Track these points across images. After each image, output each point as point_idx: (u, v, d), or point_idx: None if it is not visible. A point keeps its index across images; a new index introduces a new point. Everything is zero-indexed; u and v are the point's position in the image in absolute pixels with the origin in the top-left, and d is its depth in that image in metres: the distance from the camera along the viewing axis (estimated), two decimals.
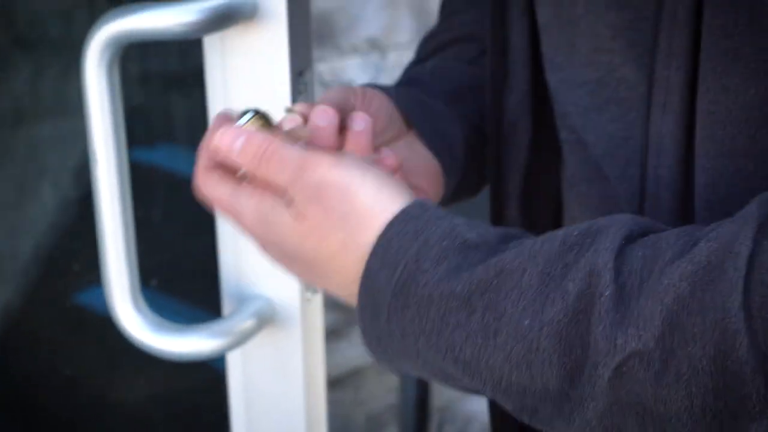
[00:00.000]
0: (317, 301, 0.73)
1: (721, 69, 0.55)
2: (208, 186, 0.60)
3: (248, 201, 0.58)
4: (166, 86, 1.55)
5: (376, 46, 2.26)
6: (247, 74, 0.69)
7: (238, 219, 0.60)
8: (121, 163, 0.66)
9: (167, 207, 1.39)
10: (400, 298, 0.52)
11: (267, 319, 0.71)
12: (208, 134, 0.62)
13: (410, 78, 0.84)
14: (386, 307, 0.53)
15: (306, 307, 0.72)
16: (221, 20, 0.64)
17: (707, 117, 0.57)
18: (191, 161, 0.63)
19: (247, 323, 0.70)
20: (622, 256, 0.48)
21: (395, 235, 0.53)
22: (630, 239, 0.50)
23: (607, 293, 0.47)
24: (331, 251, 0.56)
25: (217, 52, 0.70)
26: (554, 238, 0.51)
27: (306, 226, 0.56)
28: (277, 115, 0.63)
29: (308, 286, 0.71)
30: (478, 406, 2.72)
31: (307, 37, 0.69)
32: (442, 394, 2.37)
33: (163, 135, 1.52)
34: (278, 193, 0.57)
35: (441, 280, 0.51)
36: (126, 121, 0.70)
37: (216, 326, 0.69)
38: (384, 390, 2.38)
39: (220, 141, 0.58)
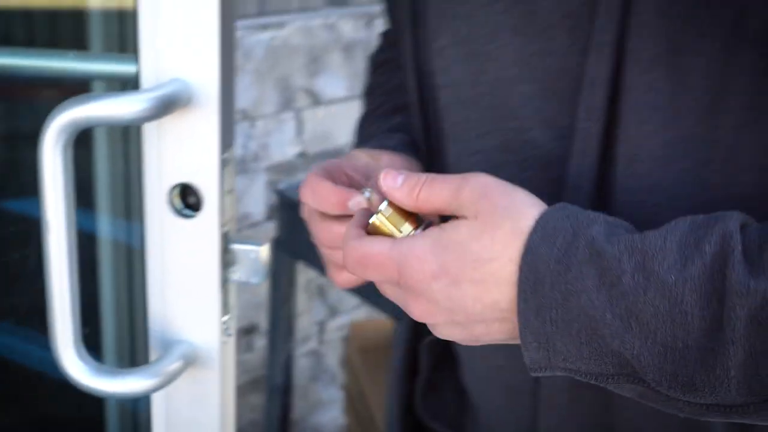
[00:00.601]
0: (231, 343, 0.79)
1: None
2: (360, 246, 0.61)
3: (420, 240, 0.59)
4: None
5: (246, 116, 2.34)
6: (182, 153, 0.73)
7: (406, 265, 0.58)
8: (70, 233, 0.70)
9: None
10: (562, 262, 0.54)
11: (190, 360, 0.76)
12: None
13: (397, 127, 0.87)
14: (549, 274, 0.54)
15: (223, 349, 0.77)
16: (164, 108, 0.68)
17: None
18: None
19: (174, 365, 0.74)
20: (745, 228, 0.53)
21: (551, 218, 0.56)
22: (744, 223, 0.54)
23: (739, 248, 0.50)
24: (504, 242, 0.56)
25: (155, 134, 0.74)
26: (684, 220, 0.55)
27: (480, 221, 0.57)
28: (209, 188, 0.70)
29: (225, 330, 0.76)
30: (326, 419, 2.83)
31: (232, 118, 0.74)
32: (297, 410, 2.44)
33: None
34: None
35: (595, 244, 0.54)
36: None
37: (148, 369, 0.73)
38: (248, 410, 2.45)
39: (384, 183, 0.61)
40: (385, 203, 0.62)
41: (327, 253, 0.75)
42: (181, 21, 0.71)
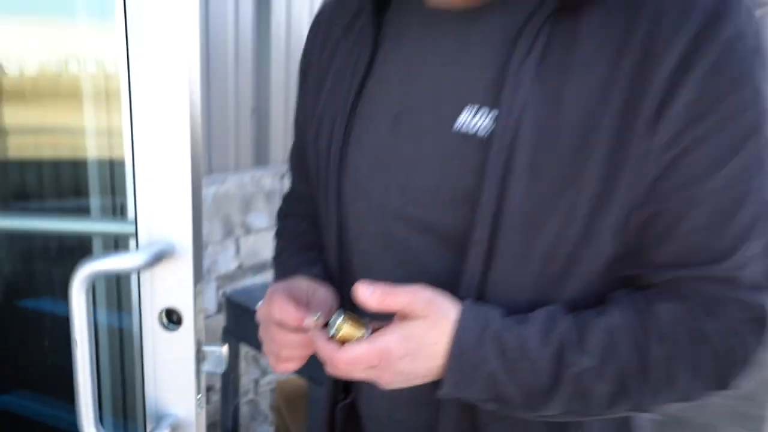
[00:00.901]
0: (203, 413, 0.79)
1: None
2: (348, 352, 0.57)
3: (391, 335, 0.57)
4: None
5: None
6: (168, 287, 0.75)
7: (385, 355, 0.57)
8: (90, 346, 0.72)
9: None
10: (476, 343, 0.57)
11: (176, 427, 0.77)
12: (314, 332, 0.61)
13: (313, 260, 0.81)
14: (468, 350, 0.57)
15: (198, 417, 0.78)
16: (155, 260, 0.70)
17: None
18: None
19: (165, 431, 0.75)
20: (575, 318, 0.59)
21: (467, 315, 0.57)
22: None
23: (574, 336, 0.58)
24: (442, 332, 0.57)
25: (149, 275, 0.75)
26: (540, 314, 0.59)
27: (431, 319, 0.57)
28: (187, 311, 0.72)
29: (199, 404, 0.75)
30: None
31: (201, 262, 0.76)
32: None
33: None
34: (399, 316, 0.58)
35: (495, 331, 0.57)
36: None
37: None
38: None
39: (361, 294, 0.56)
40: (341, 318, 0.59)
41: (277, 350, 0.68)
42: (165, 198, 0.73)
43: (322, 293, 0.69)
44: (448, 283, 0.62)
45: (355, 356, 0.56)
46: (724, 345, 0.57)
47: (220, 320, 2.51)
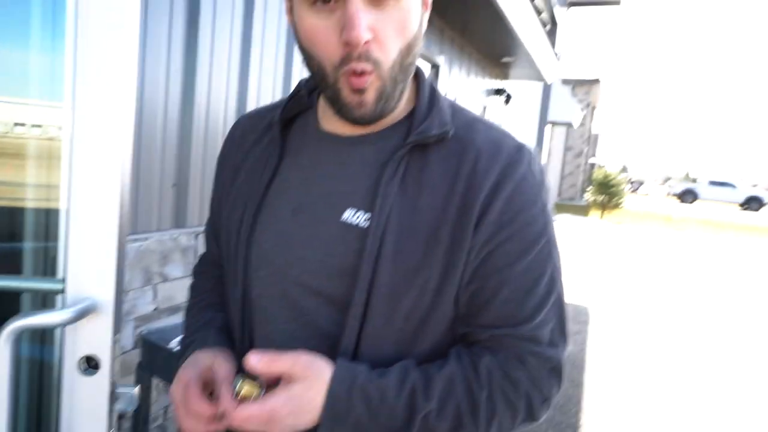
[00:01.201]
0: None
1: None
2: (242, 411, 0.55)
3: (278, 397, 0.55)
4: None
5: (122, 289, 2.15)
6: (89, 337, 0.67)
7: (273, 414, 0.55)
8: (11, 399, 0.62)
9: None
10: (347, 397, 0.56)
11: None
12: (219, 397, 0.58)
13: (210, 319, 0.75)
14: (340, 403, 0.56)
15: None
16: (80, 316, 0.63)
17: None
18: None
19: None
20: (424, 373, 0.59)
21: (339, 373, 0.57)
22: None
23: (420, 387, 0.58)
24: (319, 389, 0.56)
25: (73, 327, 0.67)
26: (398, 368, 0.58)
27: (310, 380, 0.56)
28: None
29: None
30: None
31: (121, 316, 0.69)
32: None
33: None
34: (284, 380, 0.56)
35: (362, 386, 0.57)
36: None
37: None
38: None
39: (251, 362, 0.55)
40: (240, 382, 0.58)
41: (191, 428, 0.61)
42: (93, 260, 0.66)
43: (224, 368, 0.64)
44: (332, 335, 0.62)
45: (248, 415, 0.55)
46: (531, 388, 0.61)
47: (136, 356, 2.27)
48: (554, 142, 19.98)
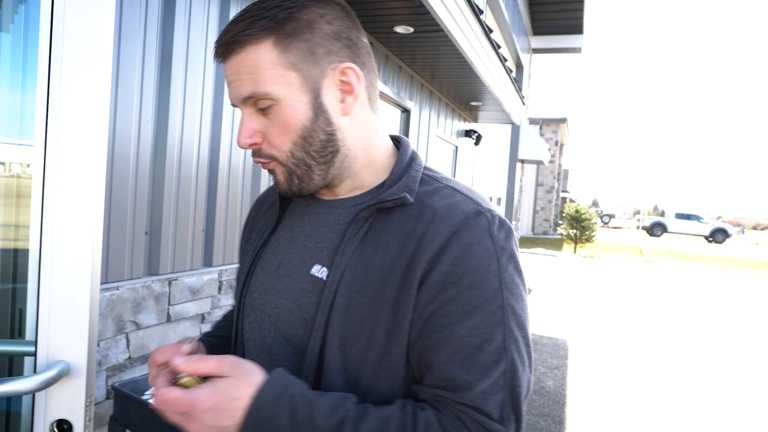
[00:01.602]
0: None
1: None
2: (164, 393, 0.56)
3: (203, 390, 0.56)
4: None
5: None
6: (61, 401, 0.65)
7: (194, 404, 0.55)
8: None
9: None
10: (275, 403, 0.56)
11: None
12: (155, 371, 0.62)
13: (218, 329, 0.86)
14: (267, 408, 0.56)
15: None
16: (52, 382, 0.62)
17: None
18: None
19: None
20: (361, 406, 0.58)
21: (272, 378, 0.58)
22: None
23: (351, 415, 0.56)
24: (245, 389, 0.57)
25: (44, 392, 0.66)
26: (333, 394, 0.59)
27: (235, 378, 0.57)
28: None
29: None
30: None
31: (93, 379, 0.68)
32: None
33: None
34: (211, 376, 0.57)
35: (291, 397, 0.56)
36: None
37: None
38: None
39: (178, 363, 0.57)
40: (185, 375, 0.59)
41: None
42: (64, 323, 0.66)
43: (190, 348, 0.66)
44: (296, 373, 0.65)
45: (170, 398, 0.56)
46: None
47: (108, 407, 2.20)
48: (525, 178, 20.43)
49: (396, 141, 0.75)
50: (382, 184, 0.69)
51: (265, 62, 0.60)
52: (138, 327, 2.34)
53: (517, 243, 0.64)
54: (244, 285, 0.75)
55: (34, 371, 0.68)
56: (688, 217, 27.87)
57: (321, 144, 0.64)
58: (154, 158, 2.34)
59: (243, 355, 0.74)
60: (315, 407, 0.57)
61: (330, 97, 0.64)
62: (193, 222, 2.58)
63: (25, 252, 1.16)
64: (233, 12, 2.71)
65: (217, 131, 2.65)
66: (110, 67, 0.65)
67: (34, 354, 0.68)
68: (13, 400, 1.02)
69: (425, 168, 0.71)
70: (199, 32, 2.50)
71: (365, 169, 0.69)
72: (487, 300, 0.59)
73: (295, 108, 0.62)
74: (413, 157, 0.71)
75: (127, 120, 2.19)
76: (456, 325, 0.59)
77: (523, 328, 0.61)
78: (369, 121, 0.69)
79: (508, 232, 0.63)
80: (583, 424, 3.25)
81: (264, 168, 0.67)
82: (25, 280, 1.20)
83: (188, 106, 2.48)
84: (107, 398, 2.24)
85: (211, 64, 2.59)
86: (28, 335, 1.19)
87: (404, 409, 0.60)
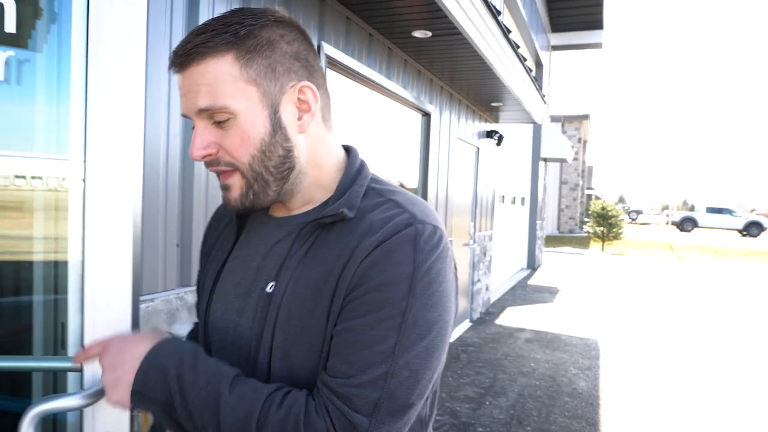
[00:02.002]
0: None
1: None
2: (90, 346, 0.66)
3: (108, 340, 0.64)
4: None
5: None
6: (111, 411, 0.67)
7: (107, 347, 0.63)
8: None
9: None
10: (166, 360, 0.62)
11: None
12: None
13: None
14: (164, 351, 0.63)
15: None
16: (96, 399, 0.64)
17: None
18: None
19: None
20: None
21: (167, 342, 0.66)
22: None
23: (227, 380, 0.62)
24: (150, 342, 0.65)
25: (90, 410, 0.67)
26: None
27: (138, 336, 0.67)
28: None
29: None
30: None
31: None
32: None
33: None
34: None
35: (189, 350, 0.64)
36: None
37: None
38: None
39: (77, 357, 0.65)
40: None
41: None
42: (106, 334, 0.67)
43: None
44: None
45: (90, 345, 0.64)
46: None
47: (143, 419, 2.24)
48: (549, 176, 20.15)
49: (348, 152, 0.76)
50: (329, 200, 0.70)
51: (225, 75, 0.60)
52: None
53: (452, 255, 0.67)
54: (206, 305, 0.76)
55: (81, 387, 0.69)
56: (719, 210, 27.08)
57: (279, 159, 0.66)
58: (183, 171, 2.39)
59: (210, 350, 0.75)
60: (202, 361, 0.63)
61: (288, 114, 0.65)
62: None
63: (65, 264, 1.20)
64: None
65: None
66: (143, 85, 0.67)
67: (80, 370, 0.70)
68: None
69: (372, 180, 0.72)
70: None
71: (315, 185, 0.71)
72: (390, 304, 0.60)
73: (254, 122, 0.63)
74: (360, 170, 0.71)
75: (156, 135, 2.24)
76: (354, 321, 0.60)
77: (425, 338, 0.61)
78: (323, 138, 0.70)
79: (437, 243, 0.63)
80: (617, 426, 3.18)
81: (222, 180, 0.67)
82: (65, 291, 1.25)
83: None
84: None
85: None
86: (69, 348, 1.23)
87: (281, 387, 0.62)
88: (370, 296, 0.60)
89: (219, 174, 0.66)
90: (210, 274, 0.78)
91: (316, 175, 0.70)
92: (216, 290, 0.75)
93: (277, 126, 0.64)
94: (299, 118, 0.66)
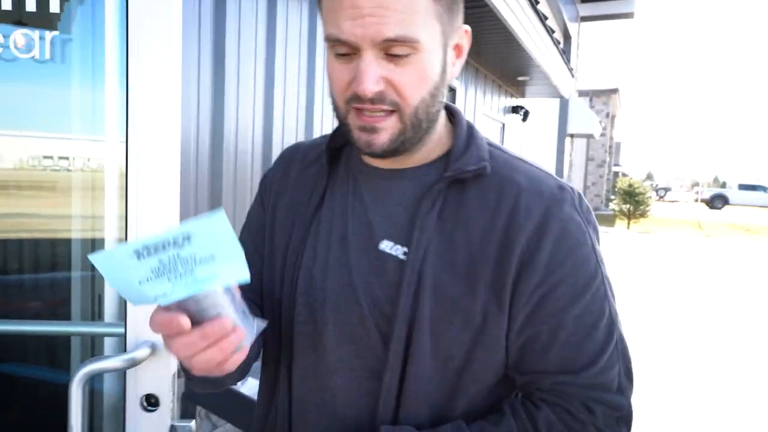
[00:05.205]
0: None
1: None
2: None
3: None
4: None
5: None
6: (149, 376, 0.71)
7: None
8: (83, 427, 0.67)
9: None
10: None
11: None
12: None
13: None
14: None
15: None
16: (141, 360, 0.69)
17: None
18: None
19: None
20: None
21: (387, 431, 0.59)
22: None
23: None
24: None
25: (133, 370, 0.71)
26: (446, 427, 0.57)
27: None
28: None
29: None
30: None
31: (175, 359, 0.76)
32: None
33: None
34: None
35: None
36: None
37: None
38: None
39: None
40: None
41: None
42: (150, 307, 0.72)
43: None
44: (375, 370, 0.60)
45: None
46: None
47: (180, 385, 2.34)
48: (575, 153, 19.74)
49: (446, 110, 0.68)
50: (446, 155, 0.64)
51: (419, 5, 0.53)
52: None
53: None
54: (296, 259, 0.65)
55: (125, 350, 0.73)
56: (753, 188, 26.16)
57: (439, 105, 0.60)
58: (212, 149, 2.43)
59: (291, 338, 0.66)
60: None
61: (450, 56, 0.60)
62: None
63: (101, 242, 1.25)
64: (280, 10, 2.75)
65: (269, 122, 2.73)
66: (179, 73, 0.69)
67: (123, 335, 0.74)
68: (96, 379, 1.12)
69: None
70: (250, 30, 2.56)
71: (435, 139, 0.64)
72: (592, 277, 0.58)
73: (432, 61, 0.56)
74: (471, 126, 0.66)
75: (187, 113, 2.28)
76: (570, 307, 0.57)
77: (614, 296, 0.61)
78: None
79: (586, 203, 0.62)
80: (646, 407, 3.18)
81: (371, 121, 0.57)
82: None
83: (242, 100, 2.56)
84: (179, 377, 2.39)
85: (261, 61, 2.64)
86: (107, 318, 1.30)
87: (517, 416, 0.59)
88: (573, 278, 0.57)
89: (368, 114, 0.57)
90: (296, 225, 0.67)
91: (438, 128, 0.64)
92: (308, 244, 0.65)
93: (444, 69, 0.59)
94: (453, 64, 0.61)
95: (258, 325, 0.49)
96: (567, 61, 6.12)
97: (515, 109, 6.50)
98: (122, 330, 0.73)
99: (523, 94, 6.86)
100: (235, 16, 2.47)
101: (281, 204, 0.70)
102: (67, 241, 1.28)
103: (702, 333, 4.80)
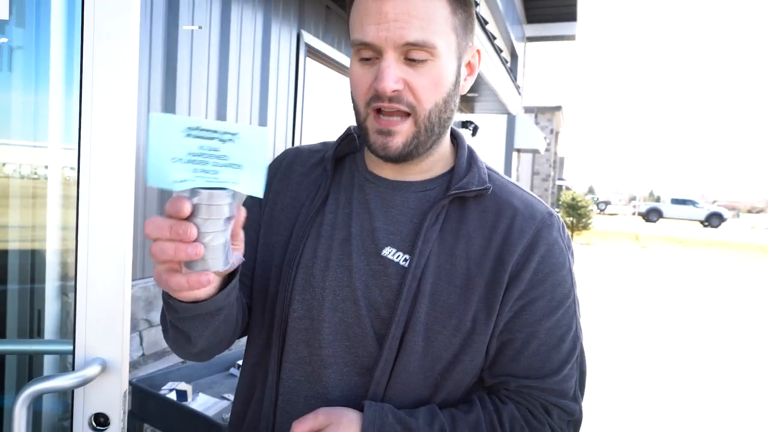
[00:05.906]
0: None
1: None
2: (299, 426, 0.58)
3: None
4: None
5: None
6: (98, 396, 0.67)
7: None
8: None
9: None
10: (381, 429, 0.59)
11: None
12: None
13: None
14: None
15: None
16: (90, 379, 0.65)
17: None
18: None
19: None
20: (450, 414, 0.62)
21: (369, 407, 0.61)
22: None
23: (447, 427, 0.61)
24: (354, 426, 0.60)
25: (82, 389, 0.67)
26: (425, 410, 0.61)
27: (338, 424, 0.60)
28: None
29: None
30: None
31: (127, 370, 0.70)
32: None
33: None
34: None
35: (391, 424, 0.59)
36: None
37: None
38: None
39: None
40: None
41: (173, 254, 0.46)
42: (100, 323, 0.67)
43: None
44: (366, 366, 0.63)
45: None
46: None
47: (128, 403, 2.23)
48: (522, 167, 20.44)
49: (450, 133, 0.72)
50: (449, 172, 0.69)
51: (439, 15, 0.58)
52: (150, 325, 2.37)
53: None
54: (296, 257, 0.67)
55: (72, 368, 0.69)
56: (683, 202, 27.88)
57: (450, 114, 0.65)
58: None
59: (284, 334, 0.67)
60: (413, 428, 0.60)
61: (462, 71, 0.65)
62: None
63: (42, 253, 1.18)
64: (234, 20, 2.71)
65: None
66: (137, 73, 0.67)
67: (72, 352, 0.70)
68: (43, 398, 1.05)
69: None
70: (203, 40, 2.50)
71: (440, 154, 0.68)
72: (566, 296, 0.65)
73: (447, 69, 0.61)
74: (471, 149, 0.72)
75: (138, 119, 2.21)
76: (544, 320, 0.63)
77: (580, 315, 0.68)
78: None
79: (567, 230, 0.69)
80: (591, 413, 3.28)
81: (387, 125, 0.61)
82: (42, 281, 1.23)
83: (193, 108, 2.49)
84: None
85: (214, 72, 2.59)
86: (47, 335, 1.22)
87: (485, 406, 0.65)
88: (550, 294, 0.63)
89: (385, 115, 0.61)
90: (297, 224, 0.69)
91: (445, 143, 0.69)
92: (308, 244, 0.67)
93: (457, 80, 0.64)
94: (465, 79, 0.66)
95: (236, 256, 0.50)
96: (514, 79, 6.36)
97: (465, 124, 6.67)
98: (68, 347, 0.71)
99: (472, 110, 7.06)
100: (187, 21, 2.41)
101: (280, 203, 0.72)
102: (4, 253, 1.20)
103: (643, 339, 5.03)
